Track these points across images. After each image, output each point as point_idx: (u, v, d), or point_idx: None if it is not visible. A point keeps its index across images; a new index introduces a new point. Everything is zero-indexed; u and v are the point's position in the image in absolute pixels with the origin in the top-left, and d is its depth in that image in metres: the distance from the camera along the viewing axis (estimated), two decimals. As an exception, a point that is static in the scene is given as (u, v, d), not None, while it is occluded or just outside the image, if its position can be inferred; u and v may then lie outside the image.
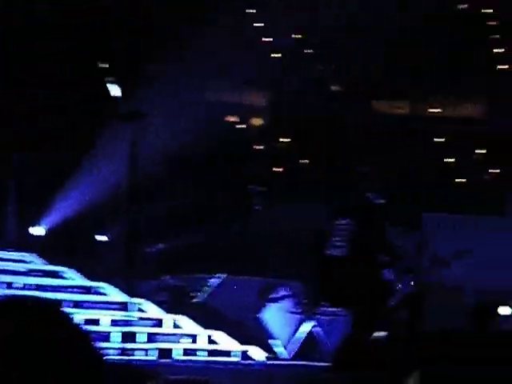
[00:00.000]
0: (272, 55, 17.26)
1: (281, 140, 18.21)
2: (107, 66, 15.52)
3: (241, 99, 18.49)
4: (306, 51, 17.45)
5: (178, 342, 11.18)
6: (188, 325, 11.45)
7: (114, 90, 13.19)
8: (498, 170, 18.22)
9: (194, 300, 12.50)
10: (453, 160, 18.28)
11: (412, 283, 9.60)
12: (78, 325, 1.44)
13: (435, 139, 18.47)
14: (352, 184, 8.85)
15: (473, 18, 17.63)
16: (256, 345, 11.55)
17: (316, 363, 11.64)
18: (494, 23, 18.03)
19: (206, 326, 11.47)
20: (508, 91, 17.65)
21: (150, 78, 14.50)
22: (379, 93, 18.32)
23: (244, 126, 18.33)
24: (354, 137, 17.00)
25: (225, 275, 12.70)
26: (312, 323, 12.64)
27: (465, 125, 18.53)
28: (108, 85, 13.40)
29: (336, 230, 8.43)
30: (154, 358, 10.44)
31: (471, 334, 8.49)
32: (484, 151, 18.41)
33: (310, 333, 12.58)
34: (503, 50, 18.07)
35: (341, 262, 8.34)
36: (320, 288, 8.68)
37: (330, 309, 12.82)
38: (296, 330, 12.47)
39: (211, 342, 11.32)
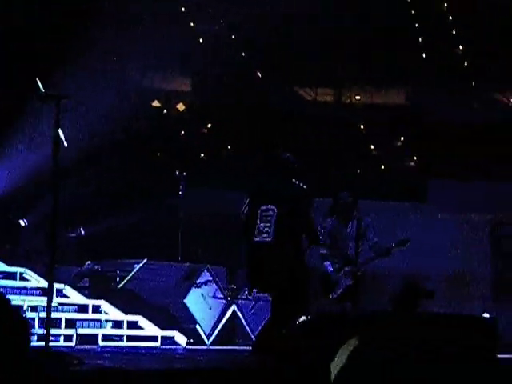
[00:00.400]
0: (197, 40, 17.19)
1: (205, 126, 18.18)
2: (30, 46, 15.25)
3: (166, 85, 18.40)
4: (230, 37, 17.43)
5: (100, 327, 11.11)
6: (110, 310, 11.38)
7: (36, 72, 12.98)
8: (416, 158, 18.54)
9: (116, 285, 12.43)
10: (373, 147, 18.52)
11: (348, 270, 9.65)
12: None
13: (360, 126, 18.68)
14: (276, 170, 8.84)
15: (397, 4, 17.84)
16: (178, 330, 11.55)
17: (237, 347, 11.72)
18: (416, 11, 18.29)
19: (128, 312, 11.42)
20: (431, 79, 17.94)
21: (72, 60, 14.31)
22: (303, 79, 18.43)
23: (168, 111, 18.25)
24: (278, 123, 17.08)
25: (146, 260, 12.64)
26: (234, 308, 12.70)
27: (388, 112, 18.79)
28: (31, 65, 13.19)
29: (261, 216, 8.46)
30: (75, 343, 10.35)
31: (395, 314, 8.63)
32: (405, 139, 18.70)
33: (232, 318, 12.64)
34: (425, 37, 18.34)
35: (266, 248, 8.38)
36: (247, 274, 8.69)
37: (252, 294, 12.90)
38: (218, 315, 12.51)
39: (133, 327, 11.28)
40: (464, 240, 16.33)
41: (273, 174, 8.81)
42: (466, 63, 18.24)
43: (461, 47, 18.20)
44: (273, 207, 8.40)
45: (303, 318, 8.62)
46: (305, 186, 8.62)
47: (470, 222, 16.50)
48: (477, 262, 16.20)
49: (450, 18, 18.13)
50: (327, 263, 9.77)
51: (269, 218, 8.39)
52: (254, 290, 12.03)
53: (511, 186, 16.87)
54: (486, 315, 9.96)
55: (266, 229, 8.37)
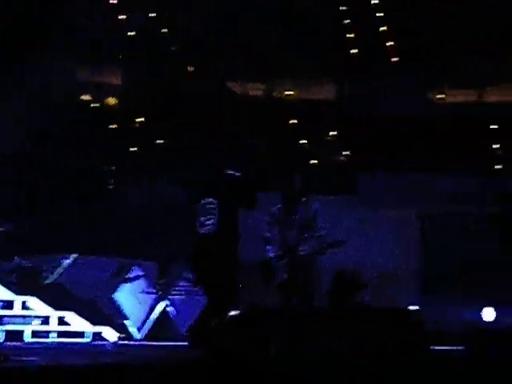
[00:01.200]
0: (128, 33, 17.03)
1: (137, 119, 18.03)
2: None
3: (96, 78, 18.19)
4: (161, 30, 17.30)
5: (28, 323, 10.95)
6: (39, 306, 11.22)
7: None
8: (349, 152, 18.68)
9: (45, 281, 12.26)
10: (306, 142, 18.59)
11: (288, 260, 9.46)
12: None
13: (290, 121, 18.73)
14: (210, 162, 8.86)
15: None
16: (109, 325, 11.45)
17: (168, 343, 11.67)
18: (347, 7, 18.42)
19: (57, 307, 11.27)
20: (362, 74, 18.09)
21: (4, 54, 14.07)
22: (234, 73, 18.40)
23: (98, 104, 18.05)
24: (211, 116, 17.02)
25: (76, 255, 12.50)
26: (165, 303, 12.64)
27: (319, 107, 18.88)
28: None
29: (201, 209, 8.49)
30: (2, 340, 10.18)
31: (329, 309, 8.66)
32: (336, 133, 18.82)
33: (163, 313, 12.58)
34: (355, 33, 18.48)
35: (206, 241, 8.39)
36: (192, 266, 8.68)
37: (183, 288, 12.86)
38: (149, 310, 12.43)
39: (62, 323, 11.14)
40: (394, 233, 16.50)
41: (208, 166, 8.84)
42: (395, 59, 18.44)
43: (392, 43, 18.39)
44: (213, 200, 8.45)
45: (235, 311, 8.62)
46: (240, 176, 8.63)
47: (400, 215, 16.68)
48: (407, 256, 16.39)
49: (381, 14, 18.32)
50: (269, 247, 9.65)
51: (210, 211, 8.43)
52: (184, 284, 11.99)
53: (442, 178, 17.13)
54: (413, 308, 10.05)
55: (208, 221, 8.41)
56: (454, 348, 9.61)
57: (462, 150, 17.25)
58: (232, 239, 8.41)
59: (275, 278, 9.53)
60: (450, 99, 18.86)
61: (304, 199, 9.36)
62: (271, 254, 9.57)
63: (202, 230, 8.47)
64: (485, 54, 17.43)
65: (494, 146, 18.41)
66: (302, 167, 17.78)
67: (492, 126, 18.31)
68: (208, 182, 8.66)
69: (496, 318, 13.80)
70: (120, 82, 18.50)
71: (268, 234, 9.62)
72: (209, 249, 8.42)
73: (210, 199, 8.51)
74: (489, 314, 14.01)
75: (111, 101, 17.83)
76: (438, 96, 18.81)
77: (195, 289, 12.89)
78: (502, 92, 18.63)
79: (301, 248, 9.35)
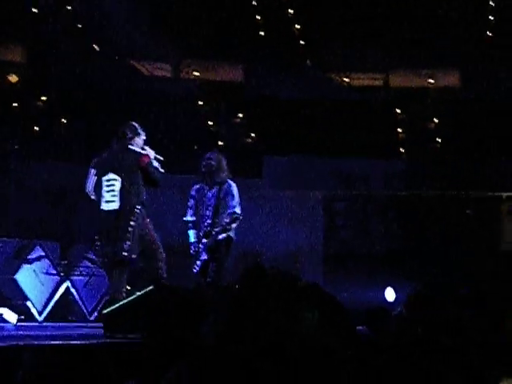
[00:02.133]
0: (30, 8, 16.64)
1: (39, 98, 17.67)
2: None
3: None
4: (65, 6, 16.98)
5: None
6: None
7: None
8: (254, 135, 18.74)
9: None
10: (211, 124, 18.56)
11: (205, 242, 9.35)
12: None
13: (198, 103, 18.66)
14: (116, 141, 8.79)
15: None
16: (8, 307, 11.20)
17: (69, 324, 11.51)
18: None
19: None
20: (268, 57, 18.14)
21: None
22: (139, 54, 18.20)
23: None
24: (114, 98, 16.82)
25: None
26: (68, 284, 12.46)
27: (227, 89, 18.87)
28: None
29: (106, 186, 8.44)
30: None
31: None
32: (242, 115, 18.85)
33: (66, 294, 12.41)
34: (262, 15, 18.52)
35: (114, 216, 8.34)
36: (99, 244, 8.59)
37: (86, 269, 12.69)
38: (51, 291, 12.24)
39: (-41, 304, 10.86)
40: (298, 216, 16.66)
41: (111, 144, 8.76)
42: (302, 42, 18.56)
43: (298, 26, 18.50)
44: (115, 176, 8.39)
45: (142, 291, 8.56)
46: (144, 152, 8.58)
47: (303, 198, 16.84)
48: (311, 239, 16.58)
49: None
50: (191, 231, 9.56)
51: (113, 188, 8.37)
52: (88, 264, 11.82)
53: (343, 162, 17.37)
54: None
55: (112, 197, 8.36)
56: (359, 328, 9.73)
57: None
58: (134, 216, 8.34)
59: (196, 263, 9.46)
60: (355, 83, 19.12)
61: (219, 180, 9.34)
62: (192, 240, 9.52)
63: (107, 207, 8.40)
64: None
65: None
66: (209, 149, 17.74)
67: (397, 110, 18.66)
68: (111, 159, 8.56)
69: (396, 298, 14.08)
70: (23, 60, 18.10)
71: (188, 218, 9.57)
72: (112, 225, 8.35)
73: (112, 175, 8.43)
74: (390, 294, 14.29)
75: (13, 79, 17.42)
76: (344, 80, 19.03)
77: (97, 270, 12.77)
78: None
79: (215, 228, 9.32)
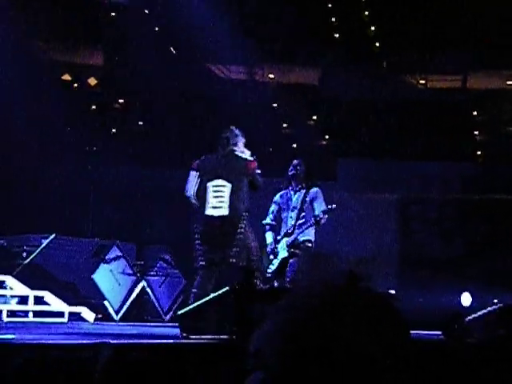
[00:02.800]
0: (109, 13, 16.90)
1: (117, 101, 17.93)
2: None
3: (77, 58, 18.08)
4: (143, 11, 17.20)
5: (5, 303, 10.88)
6: (16, 286, 11.16)
7: None
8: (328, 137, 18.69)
9: (23, 261, 12.18)
10: (285, 126, 18.58)
11: (286, 242, 9.38)
12: None
13: (272, 105, 18.70)
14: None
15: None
16: (86, 306, 11.40)
17: (145, 323, 11.65)
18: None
19: (34, 288, 11.22)
20: (343, 59, 18.06)
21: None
22: (216, 57, 18.32)
23: (78, 85, 17.91)
24: (191, 101, 16.99)
25: (55, 235, 12.42)
26: (144, 284, 12.62)
27: (301, 91, 18.87)
28: None
29: (213, 191, 8.44)
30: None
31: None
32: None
33: (142, 294, 12.57)
34: (337, 17, 18.45)
35: (221, 222, 8.31)
36: (203, 249, 8.54)
37: (161, 269, 12.84)
38: (127, 291, 12.41)
39: (40, 302, 11.08)
40: (373, 219, 16.56)
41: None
42: (377, 44, 18.45)
43: (373, 28, 18.39)
44: (224, 183, 8.38)
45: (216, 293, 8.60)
46: (250, 158, 8.58)
47: (378, 201, 16.73)
48: (385, 242, 16.45)
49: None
50: (268, 233, 9.61)
51: (221, 194, 8.36)
52: (164, 265, 11.92)
53: (419, 165, 17.19)
54: (392, 292, 10.12)
55: (219, 204, 8.33)
56: (432, 333, 9.64)
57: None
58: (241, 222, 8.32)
59: (273, 263, 9.45)
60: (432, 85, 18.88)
61: (304, 184, 9.34)
62: (270, 240, 9.54)
63: (213, 213, 8.36)
64: None
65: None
66: (284, 152, 17.79)
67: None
68: (218, 166, 8.53)
69: (472, 303, 13.88)
70: (102, 63, 18.40)
71: (267, 221, 9.60)
72: (219, 231, 8.31)
73: (221, 181, 8.41)
74: (467, 298, 14.09)
75: (92, 81, 17.73)
76: (420, 81, 18.84)
77: (172, 271, 12.90)
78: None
79: (297, 230, 9.32)
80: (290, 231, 9.29)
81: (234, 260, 8.20)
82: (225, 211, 8.28)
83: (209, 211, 8.32)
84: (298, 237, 9.32)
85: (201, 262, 8.27)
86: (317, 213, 9.16)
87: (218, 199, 8.35)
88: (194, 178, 8.58)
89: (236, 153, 8.49)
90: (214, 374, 5.40)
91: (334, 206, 9.06)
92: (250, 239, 8.45)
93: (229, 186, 8.32)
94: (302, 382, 1.39)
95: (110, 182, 15.35)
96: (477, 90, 18.67)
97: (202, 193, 8.44)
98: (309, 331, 1.42)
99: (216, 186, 8.38)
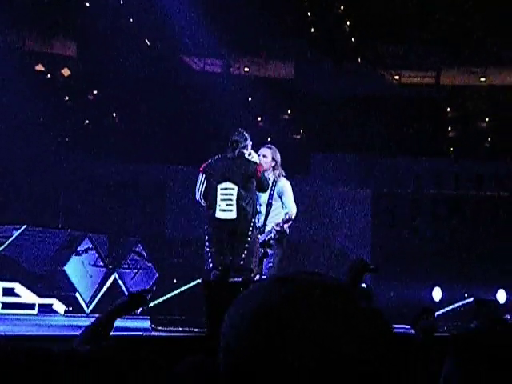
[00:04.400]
0: (84, 4, 16.80)
1: (90, 92, 17.84)
2: None
3: (50, 49, 17.97)
4: (119, 2, 17.10)
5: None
6: (-15, 277, 11.10)
7: None
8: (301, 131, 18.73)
9: (-7, 251, 12.11)
10: (260, 119, 18.58)
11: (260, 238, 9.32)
12: None
13: (248, 98, 18.69)
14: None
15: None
16: (57, 298, 11.36)
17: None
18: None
19: (5, 279, 11.15)
20: (318, 54, 18.07)
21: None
22: (192, 49, 18.27)
23: (52, 75, 17.81)
24: (164, 92, 16.95)
25: (26, 226, 12.35)
26: (115, 276, 12.59)
27: (276, 85, 18.87)
28: None
29: (221, 194, 8.41)
30: None
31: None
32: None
33: (113, 286, 12.53)
34: (312, 12, 18.44)
35: (230, 225, 8.26)
36: (212, 252, 8.49)
37: (133, 262, 12.81)
38: (99, 283, 12.37)
39: (10, 294, 11.02)
40: (346, 213, 16.62)
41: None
42: (352, 39, 18.48)
43: (348, 23, 18.42)
44: (232, 185, 8.34)
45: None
46: (258, 161, 8.55)
47: (352, 195, 16.79)
48: (358, 236, 16.52)
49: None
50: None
51: (230, 197, 8.32)
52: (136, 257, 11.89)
53: (392, 160, 17.28)
54: (364, 285, 10.16)
55: (228, 207, 8.30)
56: (402, 327, 9.69)
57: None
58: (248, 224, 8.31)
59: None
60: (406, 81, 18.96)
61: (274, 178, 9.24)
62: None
63: (222, 215, 8.32)
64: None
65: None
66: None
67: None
68: (226, 168, 8.48)
69: (442, 297, 13.98)
70: (75, 54, 18.30)
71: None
72: (228, 234, 8.27)
73: (229, 184, 8.36)
74: (437, 293, 14.19)
75: (66, 72, 17.62)
76: (395, 77, 18.91)
77: (144, 263, 12.88)
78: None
79: (267, 228, 9.26)
80: (261, 229, 9.24)
81: (242, 262, 8.17)
82: (233, 214, 8.25)
83: (218, 214, 8.29)
84: (271, 234, 9.27)
85: (210, 265, 8.25)
86: (287, 209, 9.08)
87: (227, 202, 8.31)
88: (201, 181, 8.55)
89: (246, 156, 8.47)
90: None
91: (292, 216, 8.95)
92: (258, 241, 8.46)
93: (236, 188, 8.29)
94: (261, 366, 1.39)
95: (83, 173, 15.29)
96: (450, 86, 18.77)
97: (210, 195, 8.40)
98: (268, 316, 1.42)
99: (224, 188, 8.34)
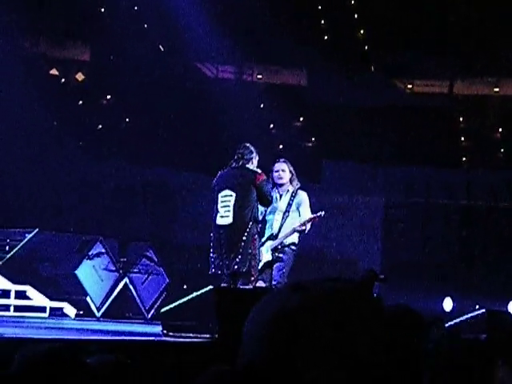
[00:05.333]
0: (98, 9, 16.86)
1: (104, 97, 17.90)
2: None
3: (65, 53, 18.04)
4: (134, 7, 17.16)
5: (-13, 297, 10.86)
6: (-2, 279, 11.13)
7: None
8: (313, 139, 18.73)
9: (6, 255, 12.14)
10: (272, 126, 18.60)
11: (271, 246, 9.35)
12: None
13: (260, 105, 18.70)
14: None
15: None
16: (68, 301, 11.39)
17: (126, 320, 11.63)
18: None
19: (17, 282, 11.19)
20: (331, 62, 18.08)
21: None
22: (205, 56, 18.31)
23: (66, 80, 17.88)
24: (179, 98, 16.98)
25: (38, 230, 12.38)
26: (126, 281, 12.60)
27: (288, 92, 18.89)
28: None
29: (221, 201, 8.53)
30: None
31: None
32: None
33: (124, 290, 12.54)
34: (326, 20, 18.48)
35: (227, 230, 8.39)
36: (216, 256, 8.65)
37: (144, 267, 12.83)
38: (110, 288, 12.39)
39: (21, 297, 11.06)
40: (357, 222, 16.60)
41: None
42: (366, 47, 18.49)
43: (362, 31, 18.43)
44: (231, 192, 8.47)
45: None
46: (259, 171, 8.64)
47: (363, 204, 16.78)
48: (369, 244, 16.51)
49: (353, 1, 18.33)
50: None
51: (228, 203, 8.46)
52: (147, 262, 11.91)
53: (404, 169, 17.25)
54: (373, 295, 10.14)
55: (226, 213, 8.45)
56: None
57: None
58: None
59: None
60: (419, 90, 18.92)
61: (290, 187, 9.26)
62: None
63: (221, 222, 8.47)
64: None
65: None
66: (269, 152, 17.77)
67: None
68: (227, 176, 8.59)
69: (453, 308, 13.95)
70: (89, 59, 18.36)
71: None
72: (225, 239, 8.40)
73: (228, 191, 8.50)
74: (448, 303, 14.16)
75: (80, 77, 17.69)
76: (408, 86, 18.89)
77: (155, 268, 12.90)
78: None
79: (282, 234, 9.27)
80: (274, 235, 9.27)
81: (237, 267, 8.28)
82: (230, 220, 8.42)
83: (218, 220, 8.51)
84: (283, 241, 9.30)
85: (212, 270, 8.42)
86: (302, 219, 9.12)
87: (225, 208, 8.50)
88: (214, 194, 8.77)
89: (247, 166, 8.59)
90: (196, 373, 5.38)
91: (322, 213, 9.02)
92: (254, 247, 8.53)
93: (234, 194, 8.44)
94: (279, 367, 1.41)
95: (96, 177, 15.33)
96: (463, 96, 18.74)
97: (215, 204, 8.60)
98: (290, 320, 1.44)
99: (224, 196, 8.54)
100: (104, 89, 17.76)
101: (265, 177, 8.64)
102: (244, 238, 8.37)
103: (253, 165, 8.67)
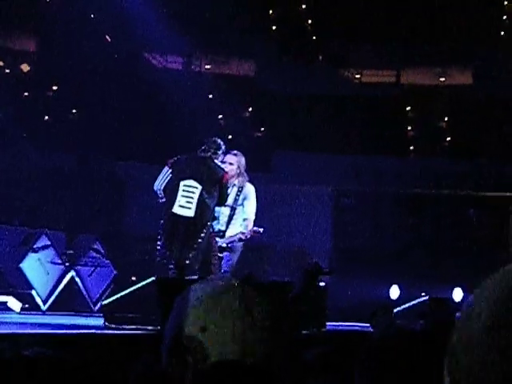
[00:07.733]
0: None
1: (50, 88, 17.68)
2: None
3: (10, 44, 17.79)
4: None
5: None
6: None
7: None
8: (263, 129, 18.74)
9: None
10: (221, 117, 18.56)
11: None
12: None
13: (208, 96, 18.64)
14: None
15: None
16: (13, 295, 11.25)
17: (72, 314, 11.53)
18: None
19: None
20: (279, 52, 18.08)
21: None
22: (152, 46, 18.20)
23: (11, 71, 17.64)
24: (126, 88, 16.85)
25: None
26: (73, 274, 12.50)
27: (237, 83, 18.85)
28: None
29: (183, 191, 8.38)
30: None
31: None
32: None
33: (70, 283, 12.44)
34: (274, 10, 18.47)
35: (187, 222, 8.25)
36: (166, 245, 8.47)
37: (91, 259, 12.73)
38: (56, 281, 12.28)
39: (-35, 292, 10.90)
40: (307, 211, 16.65)
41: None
42: (314, 37, 18.52)
43: (310, 21, 18.45)
44: (196, 184, 8.31)
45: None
46: (226, 170, 8.55)
47: (313, 193, 16.83)
48: (318, 233, 16.56)
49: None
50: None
51: (191, 195, 8.31)
52: (94, 255, 11.82)
53: (353, 158, 17.35)
54: (322, 284, 10.18)
55: (187, 204, 8.28)
56: (361, 325, 9.73)
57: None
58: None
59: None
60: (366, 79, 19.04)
61: (237, 180, 9.20)
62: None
63: (180, 211, 8.30)
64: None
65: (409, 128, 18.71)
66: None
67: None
68: (191, 166, 8.46)
69: (400, 295, 14.06)
70: (36, 49, 18.13)
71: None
72: (181, 231, 8.26)
73: (192, 182, 8.35)
74: (395, 291, 14.27)
75: (25, 67, 17.45)
76: (355, 76, 18.98)
77: (102, 260, 12.80)
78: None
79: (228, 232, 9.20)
80: (222, 231, 9.16)
81: (188, 262, 8.17)
82: (191, 212, 8.26)
83: (175, 209, 8.30)
84: (232, 238, 9.18)
85: (158, 259, 8.27)
86: (246, 213, 9.07)
87: (187, 199, 8.33)
88: (165, 174, 8.54)
89: (215, 160, 8.48)
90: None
91: (261, 229, 8.99)
92: (211, 245, 8.44)
93: (200, 188, 8.28)
94: None
95: (41, 169, 15.15)
96: (410, 85, 18.87)
97: (170, 190, 8.39)
98: None
99: (187, 185, 8.34)
100: (50, 80, 17.54)
101: (230, 175, 8.57)
102: (202, 234, 8.26)
103: (218, 161, 8.59)
